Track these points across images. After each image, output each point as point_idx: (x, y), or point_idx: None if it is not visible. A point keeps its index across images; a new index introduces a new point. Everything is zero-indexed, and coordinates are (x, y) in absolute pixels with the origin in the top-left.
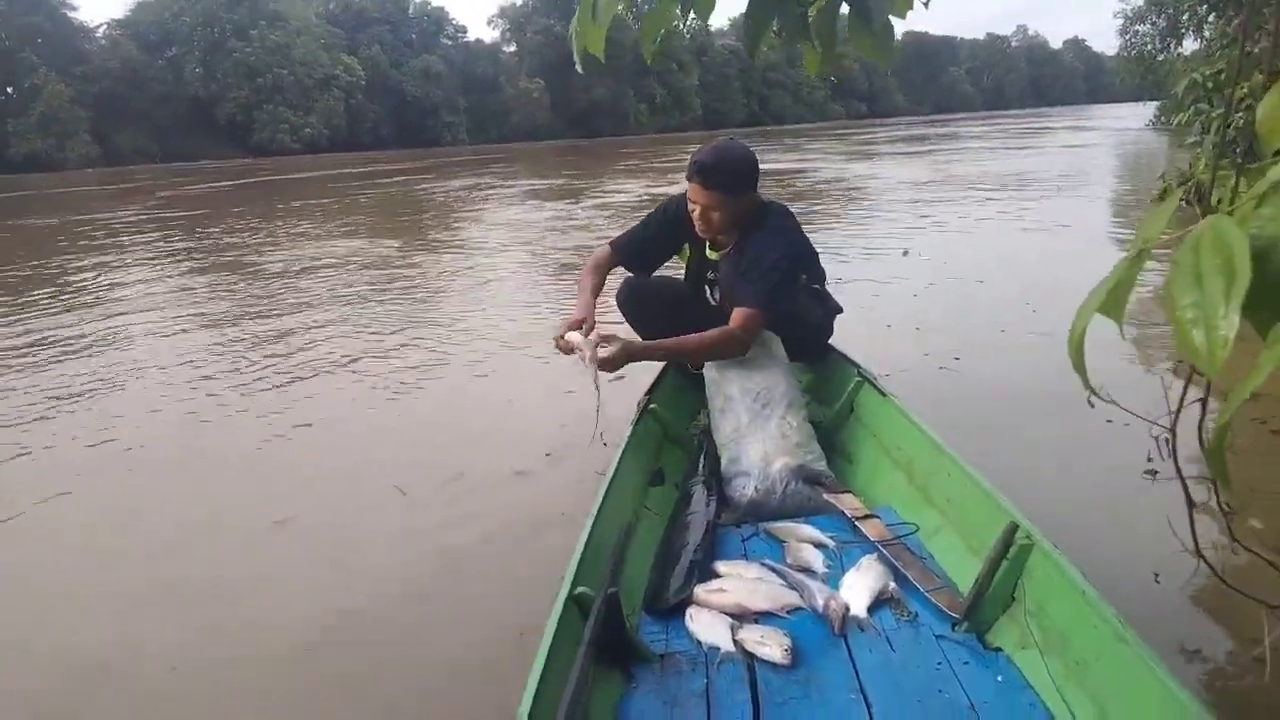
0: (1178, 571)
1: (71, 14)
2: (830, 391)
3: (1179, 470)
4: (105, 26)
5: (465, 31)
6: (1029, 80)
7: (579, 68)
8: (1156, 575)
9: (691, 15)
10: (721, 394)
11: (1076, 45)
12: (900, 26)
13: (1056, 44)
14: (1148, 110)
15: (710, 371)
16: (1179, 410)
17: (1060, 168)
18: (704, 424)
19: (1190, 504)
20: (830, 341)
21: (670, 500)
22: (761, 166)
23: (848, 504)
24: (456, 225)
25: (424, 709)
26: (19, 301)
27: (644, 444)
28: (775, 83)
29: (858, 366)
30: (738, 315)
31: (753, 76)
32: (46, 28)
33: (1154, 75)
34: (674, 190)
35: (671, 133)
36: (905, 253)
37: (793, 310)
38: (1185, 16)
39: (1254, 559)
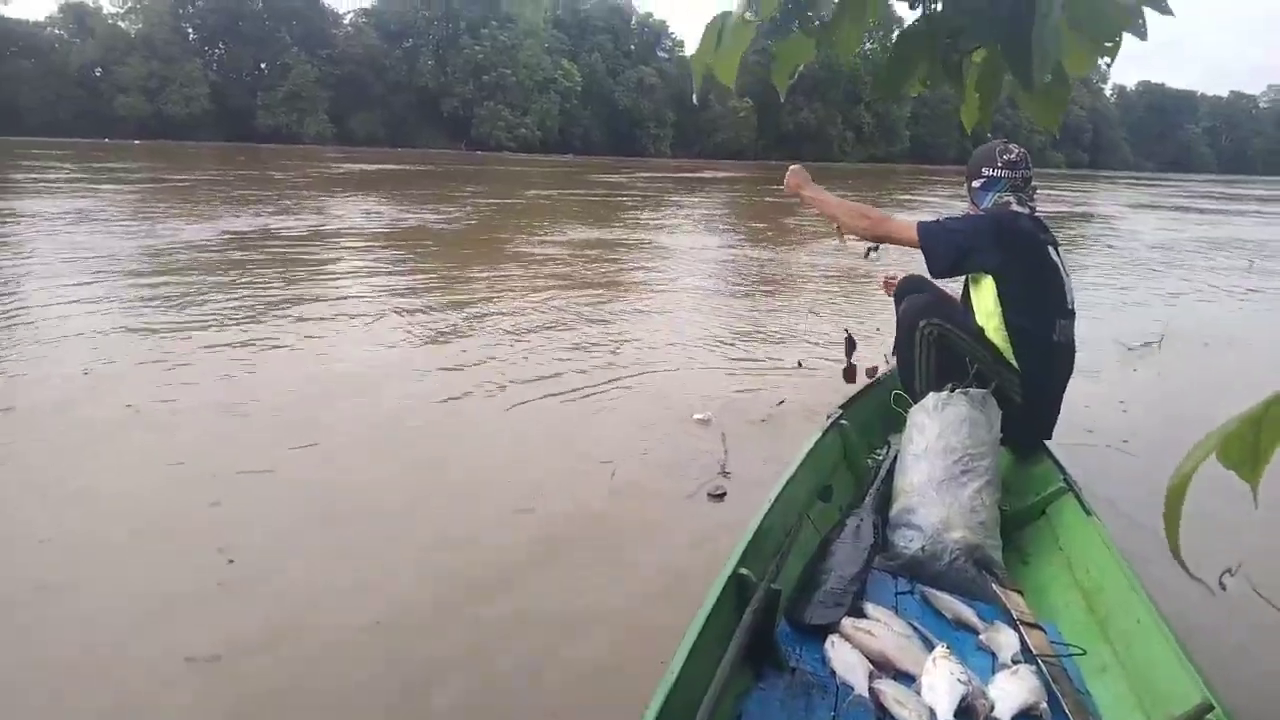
0: None
1: (324, 0)
2: (1023, 484)
3: None
4: (352, 14)
5: (682, 46)
6: (1277, 145)
7: (694, 98)
8: None
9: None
10: (923, 439)
11: None
12: (1134, 76)
13: None
14: None
15: (919, 415)
16: None
17: None
18: (882, 459)
19: None
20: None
21: (831, 519)
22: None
23: (1015, 604)
24: None
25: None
26: None
27: (824, 457)
28: (996, 124)
29: (1065, 473)
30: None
31: None
32: (302, 11)
33: None
34: None
35: (876, 163)
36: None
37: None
38: None
39: None
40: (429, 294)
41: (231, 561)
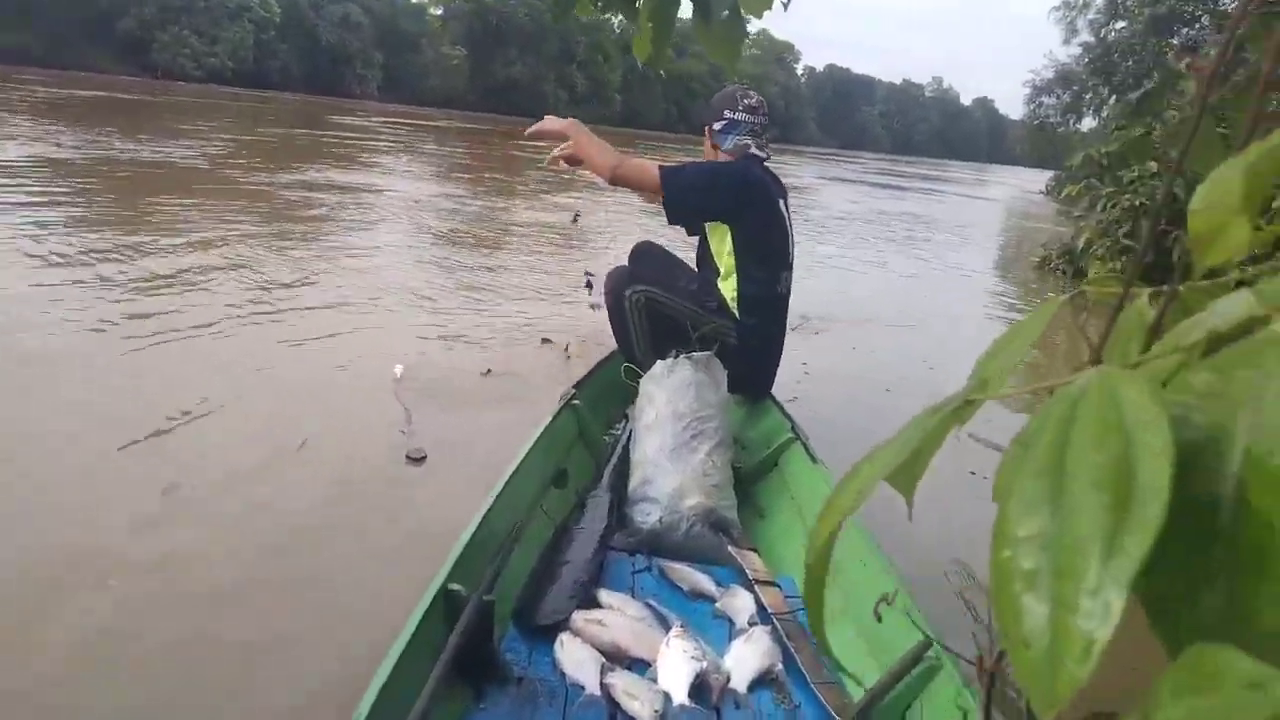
0: None
1: None
2: (755, 439)
3: None
4: None
5: None
6: (937, 131)
7: None
8: None
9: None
10: (653, 409)
11: (985, 105)
12: (823, 59)
13: (966, 101)
14: (1045, 177)
15: (647, 385)
16: (998, 658)
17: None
18: (620, 434)
19: None
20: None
21: (567, 506)
22: None
23: (751, 563)
24: None
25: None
26: None
27: (557, 440)
28: (696, 93)
29: (792, 422)
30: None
31: (675, 84)
32: None
33: (1053, 146)
34: None
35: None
36: None
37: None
38: (1088, 96)
39: None
40: (136, 235)
41: None
